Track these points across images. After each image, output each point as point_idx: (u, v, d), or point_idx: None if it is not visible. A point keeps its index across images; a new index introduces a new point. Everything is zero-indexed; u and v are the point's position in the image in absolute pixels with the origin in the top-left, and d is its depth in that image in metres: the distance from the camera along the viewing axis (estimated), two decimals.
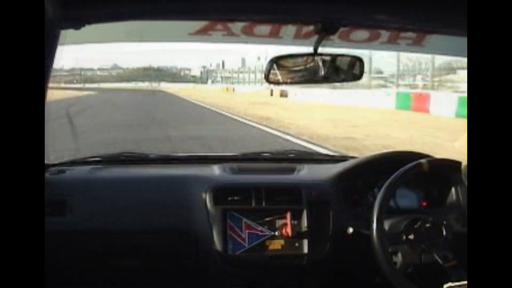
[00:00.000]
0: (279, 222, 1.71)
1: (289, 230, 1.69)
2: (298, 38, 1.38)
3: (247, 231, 1.70)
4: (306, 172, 1.92)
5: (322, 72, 1.39)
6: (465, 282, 1.02)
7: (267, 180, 1.84)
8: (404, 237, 1.59)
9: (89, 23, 1.14)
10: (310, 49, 1.36)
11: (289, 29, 1.35)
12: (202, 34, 1.39)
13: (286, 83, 1.50)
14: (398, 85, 20.63)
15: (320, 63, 1.38)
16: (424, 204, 1.85)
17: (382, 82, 22.64)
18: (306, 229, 1.71)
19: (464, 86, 14.75)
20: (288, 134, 10.11)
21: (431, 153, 1.83)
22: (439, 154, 1.81)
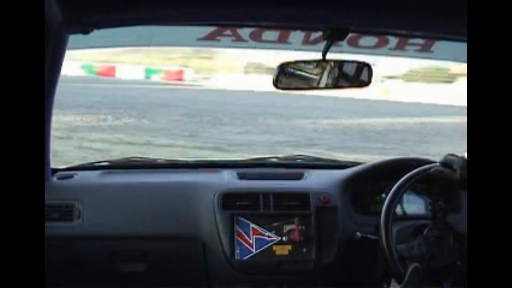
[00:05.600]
0: (287, 227, 1.71)
1: (296, 235, 1.69)
2: (307, 43, 1.38)
3: (254, 236, 1.70)
4: (314, 178, 1.91)
5: (331, 78, 1.39)
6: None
7: (275, 185, 1.84)
8: (412, 243, 1.58)
9: (98, 28, 1.15)
10: (318, 55, 1.36)
11: (298, 35, 1.36)
12: (210, 39, 1.39)
13: (294, 88, 1.50)
14: None
15: (329, 69, 1.38)
16: (432, 210, 1.84)
17: None
18: (313, 234, 1.70)
19: None
20: None
21: None
22: None
